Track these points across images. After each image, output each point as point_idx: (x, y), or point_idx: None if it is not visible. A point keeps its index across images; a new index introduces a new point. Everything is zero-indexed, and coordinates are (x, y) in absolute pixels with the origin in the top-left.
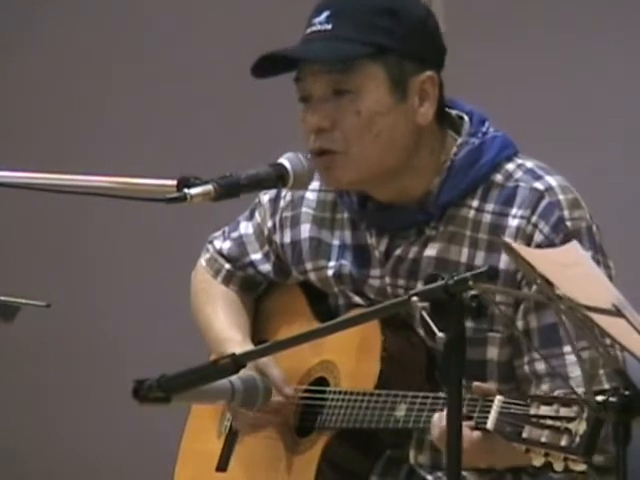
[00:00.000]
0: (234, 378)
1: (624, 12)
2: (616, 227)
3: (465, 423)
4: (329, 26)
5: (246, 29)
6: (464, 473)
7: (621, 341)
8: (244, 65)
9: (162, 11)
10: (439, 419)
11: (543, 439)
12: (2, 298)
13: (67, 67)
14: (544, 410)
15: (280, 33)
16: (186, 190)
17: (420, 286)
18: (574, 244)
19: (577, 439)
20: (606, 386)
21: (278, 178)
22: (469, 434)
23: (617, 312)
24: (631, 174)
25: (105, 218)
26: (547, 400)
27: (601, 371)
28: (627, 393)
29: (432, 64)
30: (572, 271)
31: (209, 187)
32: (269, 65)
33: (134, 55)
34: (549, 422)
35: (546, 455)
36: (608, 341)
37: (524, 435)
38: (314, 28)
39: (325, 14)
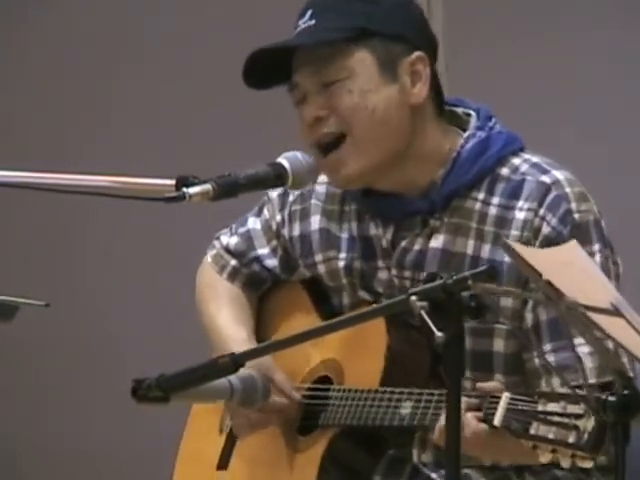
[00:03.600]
0: (233, 377)
1: (622, 13)
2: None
3: (474, 414)
4: (312, 22)
5: (246, 29)
6: (467, 471)
7: (620, 341)
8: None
9: (162, 11)
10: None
11: (551, 435)
12: (1, 297)
13: (67, 67)
14: (552, 407)
15: (281, 33)
16: (185, 189)
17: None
18: (574, 243)
19: (585, 436)
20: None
21: (277, 178)
22: (475, 425)
23: (616, 312)
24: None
25: (105, 218)
26: (554, 397)
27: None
28: (626, 393)
29: (421, 46)
30: (571, 270)
31: (208, 186)
32: (263, 73)
33: (134, 55)
34: (557, 419)
35: (553, 452)
36: (608, 341)
37: (531, 431)
38: (299, 28)
39: (308, 13)
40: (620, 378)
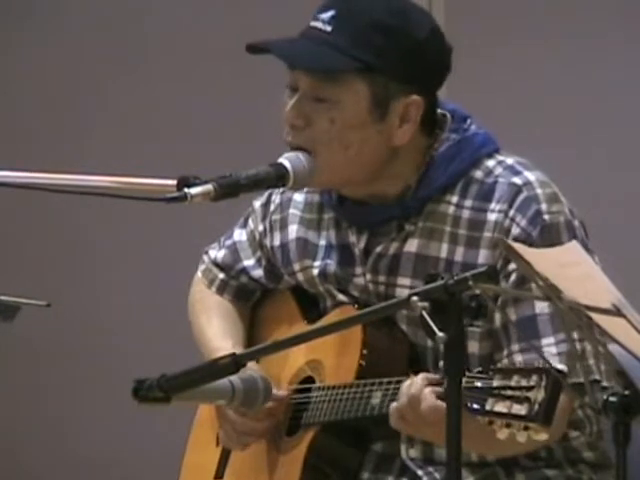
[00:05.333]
0: (234, 378)
1: (621, 15)
2: (612, 226)
3: (433, 388)
4: (329, 28)
5: (247, 29)
6: None
7: (621, 341)
8: (245, 65)
9: (162, 11)
10: (407, 388)
11: (504, 410)
12: (2, 298)
13: (67, 67)
14: (505, 382)
15: (281, 33)
16: (186, 190)
17: (400, 282)
18: (574, 244)
19: (536, 407)
20: (597, 377)
21: (278, 178)
22: (432, 400)
23: (617, 312)
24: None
25: (105, 218)
26: (509, 372)
27: (591, 361)
28: (627, 393)
29: (422, 88)
30: (572, 271)
31: (209, 187)
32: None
33: (134, 55)
34: (509, 392)
35: (508, 426)
36: (608, 341)
37: (487, 408)
38: (316, 24)
39: (330, 13)
40: (620, 379)
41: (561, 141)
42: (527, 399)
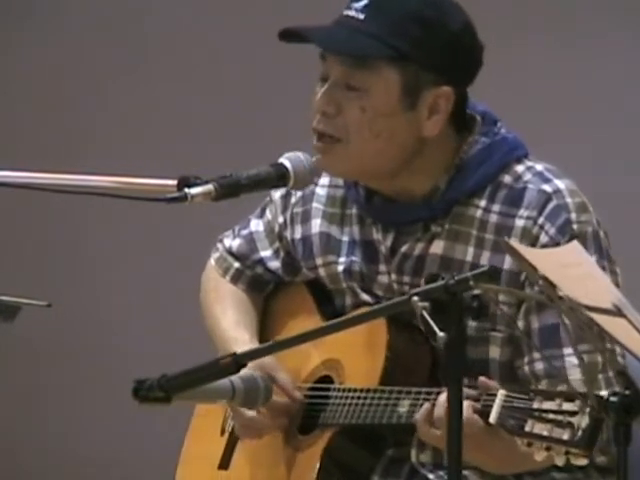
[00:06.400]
0: (235, 378)
1: (622, 14)
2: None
3: (471, 403)
4: (362, 16)
5: (247, 29)
6: (466, 472)
7: (622, 341)
8: (245, 64)
9: (163, 10)
10: (445, 400)
11: (545, 433)
12: (3, 298)
13: (67, 67)
14: (547, 404)
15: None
16: (187, 190)
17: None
18: (575, 244)
19: (579, 433)
20: (604, 392)
21: (279, 178)
22: (470, 414)
23: (618, 312)
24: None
25: (106, 218)
26: (550, 394)
27: (600, 376)
28: (627, 393)
29: (453, 80)
30: (573, 271)
31: (209, 187)
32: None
33: (135, 55)
34: (551, 416)
35: (548, 449)
36: (609, 341)
37: (526, 429)
38: (349, 12)
39: (364, 2)
40: (621, 379)
41: (561, 141)
42: (570, 424)
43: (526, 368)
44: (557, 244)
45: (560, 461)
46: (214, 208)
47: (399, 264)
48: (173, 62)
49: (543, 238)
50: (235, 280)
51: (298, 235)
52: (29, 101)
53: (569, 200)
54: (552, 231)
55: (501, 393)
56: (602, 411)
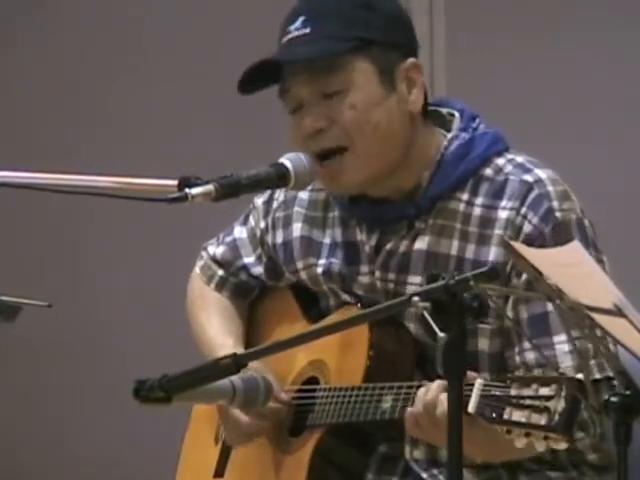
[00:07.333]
0: (235, 378)
1: (621, 13)
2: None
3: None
4: (307, 30)
5: (247, 29)
6: None
7: (623, 341)
8: (245, 65)
9: (163, 10)
10: (423, 393)
11: (523, 419)
12: (3, 298)
13: (68, 67)
14: (524, 391)
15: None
16: (187, 190)
17: (411, 279)
18: (575, 244)
19: (556, 417)
20: (597, 376)
21: (279, 178)
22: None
23: (618, 312)
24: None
25: (106, 218)
26: (527, 380)
27: (592, 361)
28: (628, 393)
29: (412, 52)
30: (573, 271)
31: (210, 187)
32: (254, 78)
33: (135, 55)
34: (529, 402)
35: (527, 435)
36: (609, 341)
37: (505, 416)
38: (291, 35)
39: (301, 19)
40: (621, 378)
41: (560, 141)
42: (547, 409)
43: (517, 358)
44: (541, 233)
45: (541, 446)
46: (214, 208)
47: (384, 262)
48: (173, 62)
49: (527, 227)
50: (220, 288)
51: (280, 240)
52: (29, 101)
53: (550, 188)
54: (535, 220)
55: (478, 382)
56: (578, 393)
